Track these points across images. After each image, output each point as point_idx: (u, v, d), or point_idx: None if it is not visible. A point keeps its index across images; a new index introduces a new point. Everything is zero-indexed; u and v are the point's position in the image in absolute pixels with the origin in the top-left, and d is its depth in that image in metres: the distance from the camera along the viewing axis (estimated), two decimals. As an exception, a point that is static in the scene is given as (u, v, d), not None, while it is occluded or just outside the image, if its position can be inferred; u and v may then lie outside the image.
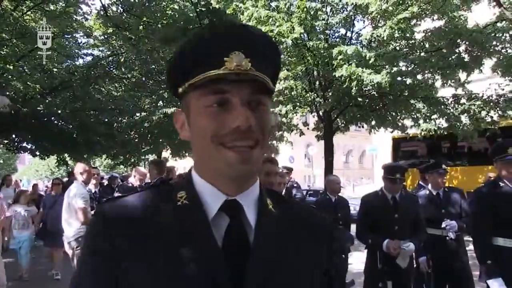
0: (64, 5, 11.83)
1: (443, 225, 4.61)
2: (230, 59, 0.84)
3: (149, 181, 6.88)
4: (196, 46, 0.88)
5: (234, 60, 0.84)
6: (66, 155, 17.31)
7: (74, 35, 14.43)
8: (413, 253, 4.40)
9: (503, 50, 10.22)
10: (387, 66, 9.80)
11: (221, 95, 0.85)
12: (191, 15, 11.39)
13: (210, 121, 0.85)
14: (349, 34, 12.28)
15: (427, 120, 11.34)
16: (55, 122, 14.89)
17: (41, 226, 8.20)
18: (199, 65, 0.86)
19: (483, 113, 10.81)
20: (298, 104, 11.35)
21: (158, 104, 15.70)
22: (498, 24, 10.11)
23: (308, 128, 13.44)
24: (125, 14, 11.97)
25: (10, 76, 11.62)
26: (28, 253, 7.58)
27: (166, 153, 19.64)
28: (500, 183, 3.56)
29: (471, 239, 3.81)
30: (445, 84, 11.10)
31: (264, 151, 0.90)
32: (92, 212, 5.37)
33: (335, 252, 1.05)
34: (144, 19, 11.14)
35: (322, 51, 10.07)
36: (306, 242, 0.96)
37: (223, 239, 0.87)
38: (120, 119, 16.09)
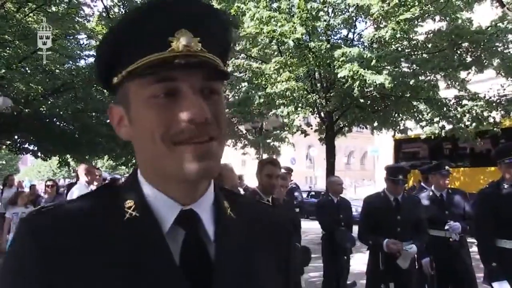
0: (66, 7, 11.86)
1: (447, 226, 4.60)
2: (176, 38, 0.70)
3: None
4: (133, 24, 0.72)
5: (181, 39, 0.70)
6: (68, 156, 17.36)
7: (76, 36, 14.47)
8: (415, 255, 4.40)
9: (505, 51, 10.21)
10: (389, 67, 9.81)
11: (168, 82, 0.70)
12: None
13: (157, 115, 0.70)
14: (350, 35, 12.30)
15: (430, 123, 11.36)
16: (57, 123, 14.95)
17: None
18: (139, 47, 0.71)
19: (485, 113, 10.81)
20: (299, 105, 11.35)
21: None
22: (501, 25, 10.10)
23: (311, 129, 13.46)
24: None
25: (12, 78, 11.64)
26: None
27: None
28: (504, 184, 3.57)
29: (474, 241, 3.81)
30: (449, 86, 11.10)
31: (223, 148, 0.77)
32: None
33: (294, 253, 0.95)
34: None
35: (323, 52, 10.08)
36: (268, 246, 0.87)
37: (180, 255, 0.74)
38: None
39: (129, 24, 0.72)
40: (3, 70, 10.71)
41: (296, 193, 7.78)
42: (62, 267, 0.69)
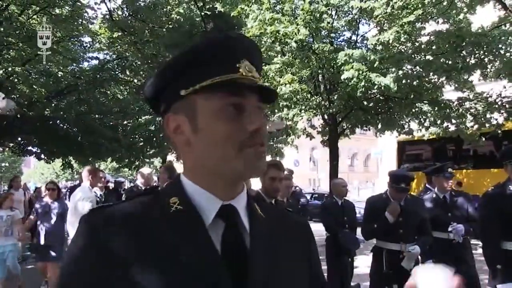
0: (70, 9, 11.89)
1: (450, 228, 4.59)
2: (243, 66, 0.87)
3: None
4: (208, 50, 0.88)
5: (246, 67, 0.87)
6: (71, 158, 17.39)
7: (80, 38, 14.50)
8: (419, 257, 4.38)
9: (507, 54, 10.18)
10: (393, 69, 9.80)
11: (237, 97, 0.85)
12: (197, 19, 11.43)
13: (229, 124, 0.85)
14: (354, 37, 12.30)
15: (434, 125, 11.34)
16: (61, 125, 14.98)
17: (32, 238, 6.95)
18: (213, 68, 0.86)
19: (488, 115, 10.79)
20: (303, 107, 11.35)
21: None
22: (503, 27, 10.08)
23: (317, 132, 13.45)
24: (130, 19, 12.04)
25: (16, 80, 11.67)
26: (17, 262, 6.54)
27: (171, 157, 19.69)
28: (510, 186, 3.55)
29: (478, 242, 3.79)
30: (451, 86, 11.07)
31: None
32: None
33: (316, 252, 1.09)
34: (150, 24, 11.17)
35: (327, 54, 10.08)
36: (293, 242, 0.99)
37: (221, 245, 0.85)
38: (125, 122, 16.16)
39: (204, 49, 0.88)
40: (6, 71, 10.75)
41: (302, 199, 7.71)
42: (117, 257, 0.79)
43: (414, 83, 9.82)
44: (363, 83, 9.05)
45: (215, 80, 0.85)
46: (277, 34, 9.58)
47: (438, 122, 11.30)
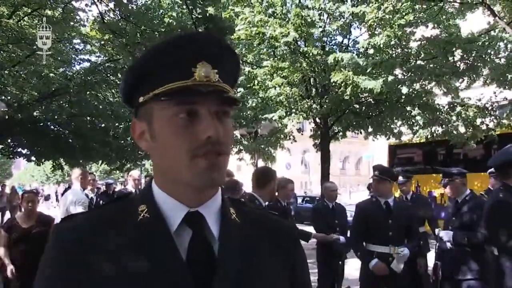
0: (62, 11, 11.82)
1: (441, 234, 4.58)
2: (198, 69, 0.83)
3: None
4: (163, 54, 0.85)
5: (202, 70, 0.83)
6: (61, 160, 17.28)
7: (71, 41, 14.44)
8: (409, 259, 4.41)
9: (496, 60, 10.28)
10: (383, 74, 9.86)
11: (189, 105, 0.83)
12: (189, 22, 11.42)
13: (180, 132, 0.83)
14: (346, 41, 12.37)
15: (424, 128, 11.42)
16: (51, 127, 14.88)
17: None
18: (166, 74, 0.83)
19: (478, 120, 10.87)
20: (294, 110, 11.38)
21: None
22: (492, 33, 10.19)
23: (302, 134, 13.50)
24: (122, 21, 11.98)
25: (6, 82, 11.59)
26: None
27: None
28: None
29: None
30: (441, 91, 11.16)
31: (228, 161, 0.89)
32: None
33: (302, 259, 1.03)
34: (142, 27, 11.13)
35: (318, 58, 10.13)
36: (272, 250, 0.95)
37: (187, 252, 0.84)
38: (116, 124, 16.09)
39: (159, 53, 0.85)
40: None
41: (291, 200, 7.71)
42: (84, 265, 0.80)
43: (404, 90, 9.88)
44: (350, 88, 9.13)
45: (167, 87, 0.83)
46: (263, 36, 9.61)
47: (428, 125, 11.39)
